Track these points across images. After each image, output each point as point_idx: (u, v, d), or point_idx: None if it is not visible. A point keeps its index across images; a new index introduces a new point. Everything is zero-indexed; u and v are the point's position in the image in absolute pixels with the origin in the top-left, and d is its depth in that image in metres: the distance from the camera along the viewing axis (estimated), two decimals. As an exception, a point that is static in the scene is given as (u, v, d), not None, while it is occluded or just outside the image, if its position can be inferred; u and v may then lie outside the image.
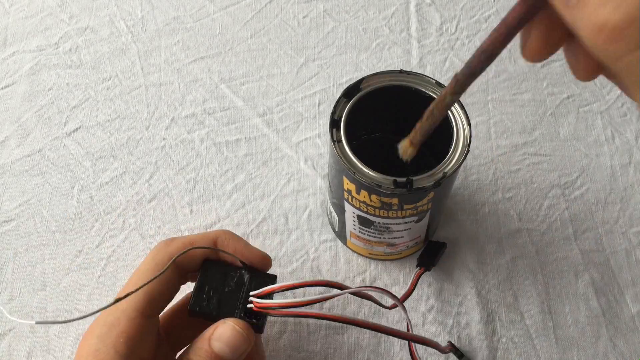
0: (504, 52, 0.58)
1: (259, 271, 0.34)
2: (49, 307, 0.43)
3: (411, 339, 0.35)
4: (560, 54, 0.22)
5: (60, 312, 0.43)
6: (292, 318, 0.41)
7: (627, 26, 0.15)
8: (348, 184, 0.37)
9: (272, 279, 0.34)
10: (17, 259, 0.45)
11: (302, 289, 0.33)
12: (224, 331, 0.31)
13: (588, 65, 0.20)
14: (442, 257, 0.45)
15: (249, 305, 0.32)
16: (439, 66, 0.54)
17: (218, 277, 0.33)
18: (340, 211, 0.41)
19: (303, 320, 0.43)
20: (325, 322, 0.42)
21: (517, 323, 0.43)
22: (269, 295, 0.32)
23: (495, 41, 0.21)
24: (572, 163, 0.49)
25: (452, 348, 0.41)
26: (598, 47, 0.16)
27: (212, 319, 0.32)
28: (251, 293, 0.33)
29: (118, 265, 0.45)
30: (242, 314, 0.32)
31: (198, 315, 0.33)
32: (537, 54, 0.21)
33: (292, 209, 0.47)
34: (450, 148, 0.36)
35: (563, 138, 0.51)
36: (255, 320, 0.32)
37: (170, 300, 0.34)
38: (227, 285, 0.33)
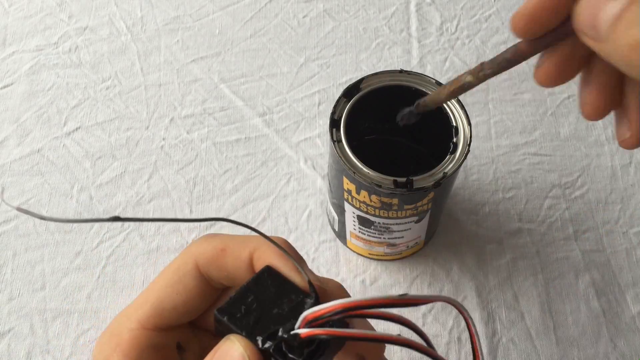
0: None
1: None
2: (48, 307, 0.43)
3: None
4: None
5: (59, 312, 0.43)
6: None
7: None
8: (348, 184, 0.36)
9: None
10: (16, 259, 0.45)
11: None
12: (226, 352, 0.23)
13: (598, 102, 0.22)
14: (442, 257, 0.45)
15: (295, 332, 0.22)
16: (439, 66, 0.54)
17: (272, 292, 0.24)
18: (340, 211, 0.41)
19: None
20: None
21: (517, 323, 0.43)
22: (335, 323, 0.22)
23: (517, 56, 0.23)
24: (572, 163, 0.49)
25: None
26: (634, 65, 0.18)
27: None
28: (302, 315, 0.22)
29: (117, 266, 0.45)
30: (276, 347, 0.22)
31: (223, 327, 0.24)
32: (550, 79, 0.23)
33: (292, 209, 0.47)
34: (450, 148, 0.36)
35: (563, 138, 0.50)
36: None
37: (195, 314, 0.28)
38: (278, 307, 0.24)
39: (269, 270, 0.25)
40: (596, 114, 0.23)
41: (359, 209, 0.38)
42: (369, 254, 0.44)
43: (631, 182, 0.49)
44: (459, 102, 0.37)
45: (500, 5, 0.57)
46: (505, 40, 0.55)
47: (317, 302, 0.24)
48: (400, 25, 0.56)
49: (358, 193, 0.36)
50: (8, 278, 0.44)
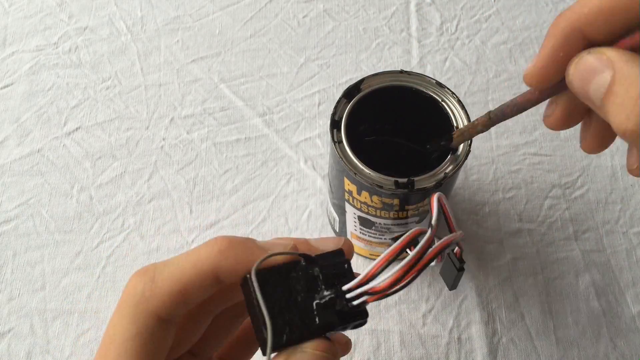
0: (505, 53, 0.58)
1: (319, 256, 0.25)
2: (48, 307, 0.43)
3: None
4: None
5: (59, 312, 0.43)
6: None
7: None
8: (349, 185, 0.36)
9: (339, 254, 0.25)
10: (16, 259, 0.45)
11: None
12: None
13: (593, 145, 0.26)
14: (442, 259, 0.45)
15: (348, 296, 0.24)
16: (439, 66, 0.54)
17: (279, 289, 0.23)
18: (341, 212, 0.41)
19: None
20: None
21: (517, 323, 0.43)
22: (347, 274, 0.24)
23: (526, 102, 0.27)
24: (572, 163, 0.49)
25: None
26: (629, 141, 0.21)
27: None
28: (345, 287, 0.24)
29: (117, 266, 0.45)
30: (340, 321, 0.23)
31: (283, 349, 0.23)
32: (558, 124, 0.26)
33: (292, 209, 0.47)
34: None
35: (563, 138, 0.50)
36: (361, 316, 0.24)
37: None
38: (297, 292, 0.23)
39: (255, 277, 0.23)
40: (591, 152, 0.27)
41: (359, 209, 0.38)
42: (370, 254, 0.44)
43: (631, 182, 0.49)
44: (459, 102, 0.37)
45: (500, 5, 0.57)
46: (505, 40, 0.55)
47: (312, 260, 0.24)
48: (400, 25, 0.56)
49: (359, 194, 0.36)
50: (8, 278, 0.44)
